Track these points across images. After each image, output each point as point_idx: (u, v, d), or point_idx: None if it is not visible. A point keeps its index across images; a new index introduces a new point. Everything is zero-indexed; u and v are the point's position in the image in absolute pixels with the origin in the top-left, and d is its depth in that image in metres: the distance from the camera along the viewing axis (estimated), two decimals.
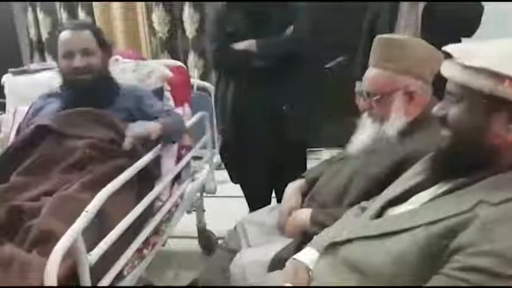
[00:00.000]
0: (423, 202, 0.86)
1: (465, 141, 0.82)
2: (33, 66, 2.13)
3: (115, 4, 3.36)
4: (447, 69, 0.84)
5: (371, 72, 1.29)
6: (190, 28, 3.28)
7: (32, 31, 3.65)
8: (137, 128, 1.52)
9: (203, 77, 3.29)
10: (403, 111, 1.24)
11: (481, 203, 0.76)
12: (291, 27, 1.94)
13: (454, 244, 0.73)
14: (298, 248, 1.25)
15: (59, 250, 0.99)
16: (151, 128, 1.54)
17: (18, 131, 1.72)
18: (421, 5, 1.86)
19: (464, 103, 0.81)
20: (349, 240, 0.90)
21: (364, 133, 1.32)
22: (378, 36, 1.31)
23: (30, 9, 3.59)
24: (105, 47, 1.70)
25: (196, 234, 2.27)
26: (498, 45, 0.80)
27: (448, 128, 0.85)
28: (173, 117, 1.74)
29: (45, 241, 1.13)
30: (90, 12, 3.44)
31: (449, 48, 0.84)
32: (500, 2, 1.88)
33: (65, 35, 1.63)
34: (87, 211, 1.09)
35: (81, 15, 3.45)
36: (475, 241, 0.72)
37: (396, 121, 1.24)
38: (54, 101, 1.68)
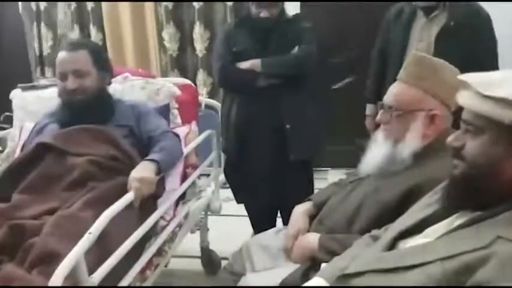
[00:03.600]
0: (438, 235, 0.84)
1: (481, 174, 0.79)
2: (43, 81, 2.14)
3: (126, 20, 3.39)
4: (465, 99, 0.81)
5: (398, 86, 1.27)
6: (200, 46, 3.31)
7: (35, 45, 3.67)
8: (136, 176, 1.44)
9: (212, 94, 3.31)
10: (421, 133, 1.21)
11: (498, 239, 0.73)
12: (296, 48, 1.95)
13: (472, 281, 0.71)
14: (305, 274, 1.22)
15: (61, 272, 0.97)
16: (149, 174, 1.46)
17: (22, 149, 1.72)
18: (434, 30, 1.86)
19: (486, 136, 0.78)
20: (361, 273, 0.87)
21: (376, 151, 1.29)
22: (414, 53, 1.30)
23: (35, 22, 3.62)
24: (103, 67, 1.69)
25: (199, 253, 2.23)
26: None
27: (463, 160, 0.82)
28: (169, 145, 1.64)
29: (46, 261, 1.12)
30: (100, 29, 3.47)
31: (466, 77, 0.82)
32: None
33: (60, 55, 1.64)
34: (90, 233, 1.07)
35: (93, 31, 3.48)
36: (493, 279, 0.69)
37: (411, 143, 1.21)
38: (55, 120, 1.68)
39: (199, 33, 3.28)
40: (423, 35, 1.90)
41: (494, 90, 0.75)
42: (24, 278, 1.08)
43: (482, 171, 0.79)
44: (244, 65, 1.94)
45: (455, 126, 1.13)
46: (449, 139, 0.86)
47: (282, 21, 1.98)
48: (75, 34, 3.51)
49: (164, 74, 3.37)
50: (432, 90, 1.21)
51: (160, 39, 3.38)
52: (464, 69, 0.90)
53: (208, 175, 2.22)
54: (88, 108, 1.62)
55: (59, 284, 0.96)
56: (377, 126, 1.33)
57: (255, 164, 2.03)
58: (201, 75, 3.36)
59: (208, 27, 3.29)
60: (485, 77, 0.80)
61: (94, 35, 3.47)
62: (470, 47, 1.78)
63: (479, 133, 0.79)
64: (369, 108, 2.21)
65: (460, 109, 0.86)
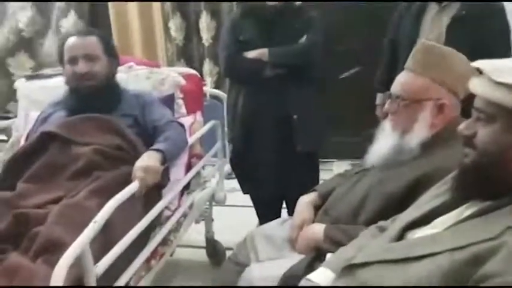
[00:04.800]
0: (447, 226, 0.82)
1: (492, 162, 0.78)
2: (47, 71, 2.14)
3: (132, 10, 3.36)
4: (477, 86, 0.80)
5: (406, 75, 1.24)
6: (206, 35, 3.29)
7: None
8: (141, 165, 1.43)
9: (218, 84, 3.29)
10: (429, 123, 1.19)
11: (508, 230, 0.71)
12: (304, 38, 1.93)
13: (481, 272, 0.69)
14: (310, 264, 1.21)
15: (65, 261, 0.96)
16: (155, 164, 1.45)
17: (27, 139, 1.72)
18: (445, 20, 1.83)
19: (497, 123, 0.77)
20: (368, 263, 0.86)
21: (383, 141, 1.27)
22: (422, 41, 1.28)
23: None
24: (111, 54, 1.70)
25: (204, 244, 2.23)
26: None
27: (474, 148, 0.81)
28: (174, 135, 1.64)
29: (50, 250, 1.12)
30: (106, 20, 3.43)
31: (479, 63, 0.80)
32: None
33: (70, 41, 1.64)
34: (95, 221, 1.07)
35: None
36: (503, 270, 0.67)
37: (419, 132, 1.19)
38: (60, 109, 1.68)
39: (205, 23, 3.25)
40: (434, 26, 1.87)
41: (507, 77, 0.74)
42: (28, 267, 1.08)
43: (493, 159, 0.78)
44: (251, 54, 1.93)
45: (463, 115, 1.11)
46: (461, 127, 0.84)
47: (289, 10, 1.95)
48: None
49: (170, 64, 3.34)
50: (440, 79, 1.19)
51: (167, 29, 3.35)
52: (475, 59, 0.88)
53: (213, 165, 2.21)
54: (96, 95, 1.62)
55: (64, 273, 0.95)
56: (386, 115, 1.32)
57: (261, 154, 2.03)
58: (207, 65, 3.34)
59: (214, 17, 3.26)
60: (498, 64, 0.78)
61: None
62: (481, 36, 1.75)
63: (490, 121, 0.78)
64: (379, 97, 2.20)
65: (469, 97, 0.85)
